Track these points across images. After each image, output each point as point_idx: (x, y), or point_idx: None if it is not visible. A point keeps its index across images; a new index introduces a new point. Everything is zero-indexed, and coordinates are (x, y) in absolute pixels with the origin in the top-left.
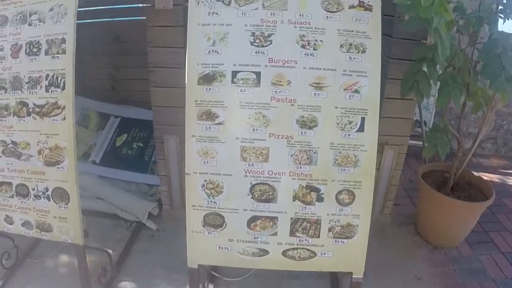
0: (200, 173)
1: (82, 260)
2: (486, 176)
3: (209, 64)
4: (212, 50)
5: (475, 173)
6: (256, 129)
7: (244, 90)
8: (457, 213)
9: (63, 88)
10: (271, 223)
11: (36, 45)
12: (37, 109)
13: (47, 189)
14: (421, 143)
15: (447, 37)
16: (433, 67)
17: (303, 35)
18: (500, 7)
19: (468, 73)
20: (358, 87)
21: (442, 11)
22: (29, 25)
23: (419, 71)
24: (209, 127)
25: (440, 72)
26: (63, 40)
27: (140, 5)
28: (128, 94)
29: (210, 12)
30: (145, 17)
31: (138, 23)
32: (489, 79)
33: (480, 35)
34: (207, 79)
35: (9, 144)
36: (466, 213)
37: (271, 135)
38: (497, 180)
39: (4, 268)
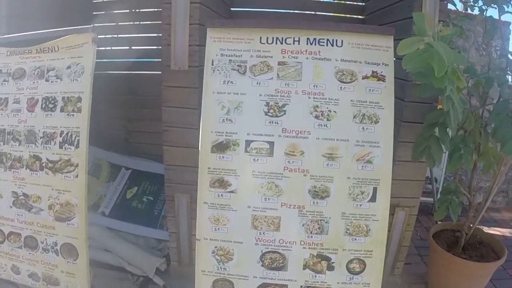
0: (210, 239)
1: None
2: (497, 231)
3: (223, 133)
4: (226, 119)
5: (487, 228)
6: (268, 199)
7: (257, 159)
8: (469, 273)
9: (77, 146)
10: None
11: (52, 101)
12: (50, 164)
13: (56, 244)
14: (431, 199)
15: (459, 103)
16: (445, 132)
17: (317, 106)
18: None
19: (479, 135)
20: (371, 157)
21: (455, 79)
22: (46, 80)
23: (430, 135)
24: (221, 195)
25: (451, 136)
26: (79, 99)
27: (157, 60)
28: (140, 146)
29: (225, 81)
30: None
31: (154, 77)
32: (500, 142)
33: (490, 96)
34: (221, 147)
35: (20, 196)
36: (478, 273)
37: (283, 204)
38: (509, 234)
39: None
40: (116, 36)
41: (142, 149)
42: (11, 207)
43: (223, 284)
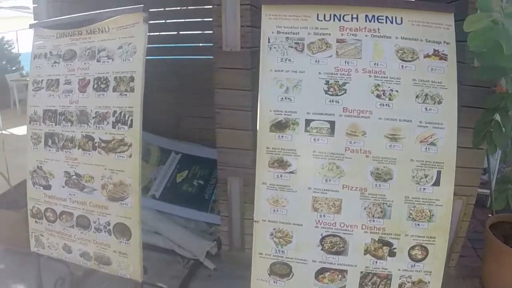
0: (269, 221)
1: None
2: None
3: (282, 112)
4: (285, 97)
5: None
6: (329, 180)
7: (318, 139)
8: None
9: (131, 126)
10: (340, 276)
11: (104, 81)
12: (103, 144)
13: (108, 223)
14: (486, 191)
15: None
16: (507, 116)
17: (378, 85)
18: None
19: None
20: (434, 139)
21: None
22: (98, 61)
23: (491, 120)
24: (281, 175)
25: None
26: (132, 79)
27: (208, 45)
28: (190, 131)
29: (282, 59)
30: (210, 57)
31: (204, 62)
32: None
33: None
34: (280, 126)
35: (72, 175)
36: None
37: (345, 186)
38: None
39: None
40: (164, 21)
41: (192, 134)
42: (63, 186)
43: (281, 268)
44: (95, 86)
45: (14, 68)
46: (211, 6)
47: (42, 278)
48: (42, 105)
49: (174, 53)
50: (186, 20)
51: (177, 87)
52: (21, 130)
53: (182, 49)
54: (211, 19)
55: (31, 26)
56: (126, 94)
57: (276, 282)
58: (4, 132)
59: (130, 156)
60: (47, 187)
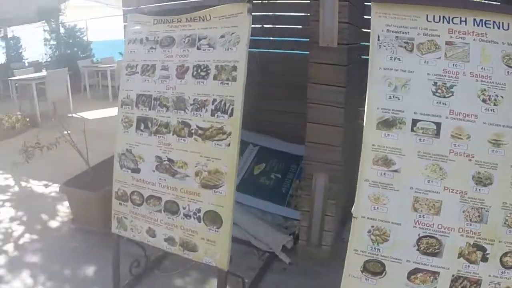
0: (368, 218)
1: (222, 284)
2: None
3: (390, 110)
4: (393, 96)
5: None
6: (432, 181)
7: (423, 139)
8: None
9: (231, 115)
10: (432, 277)
11: (204, 69)
12: (199, 131)
13: (199, 210)
14: None
15: None
16: None
17: (484, 89)
18: None
19: None
20: None
21: None
22: (198, 49)
23: None
24: (384, 173)
25: None
26: (234, 68)
27: (297, 39)
28: (269, 124)
29: (392, 57)
30: (298, 52)
31: (292, 56)
32: None
33: None
34: (387, 124)
35: (164, 161)
36: None
37: (446, 188)
38: None
39: (131, 275)
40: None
41: (270, 127)
42: (153, 171)
43: (374, 266)
44: (194, 73)
45: (84, 55)
46: (308, 1)
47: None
48: (135, 90)
49: (262, 46)
50: (279, 14)
51: (262, 80)
52: (91, 114)
53: (271, 42)
54: (303, 14)
55: (125, 12)
56: (227, 83)
57: (368, 280)
58: (74, 115)
59: (229, 145)
60: (136, 170)
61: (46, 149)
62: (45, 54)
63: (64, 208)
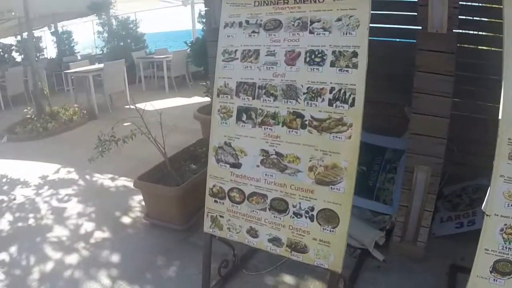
0: (501, 216)
1: (334, 285)
2: None
3: None
4: None
5: None
6: None
7: None
8: None
9: (352, 105)
10: None
11: (319, 55)
12: (315, 123)
13: (312, 209)
14: None
15: None
16: None
17: None
18: None
19: None
20: None
21: None
22: (311, 32)
23: None
24: None
25: None
26: (355, 54)
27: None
28: None
29: None
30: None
31: (393, 44)
32: None
33: None
34: None
35: (272, 155)
36: None
37: None
38: None
39: (219, 276)
40: None
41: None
42: (258, 166)
43: (504, 266)
44: (307, 59)
45: (138, 47)
46: None
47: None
48: (235, 77)
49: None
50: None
51: None
52: (148, 106)
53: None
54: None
55: None
56: (347, 71)
57: (496, 280)
58: (132, 107)
59: (349, 137)
60: (236, 165)
61: (122, 142)
62: (96, 47)
63: (135, 203)
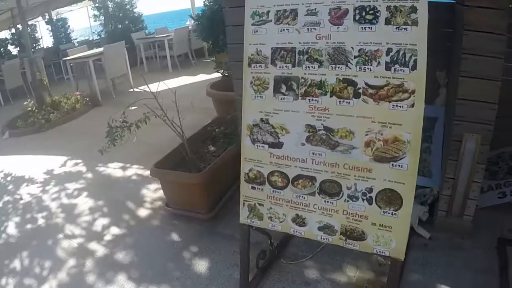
0: None
1: (395, 278)
2: None
3: None
4: None
5: None
6: None
7: None
8: None
9: (413, 68)
10: None
11: (371, 12)
12: (370, 91)
13: (370, 190)
14: None
15: None
16: None
17: None
18: None
19: None
20: None
21: None
22: None
23: None
24: None
25: None
26: (413, 9)
27: None
28: None
29: None
30: None
31: None
32: None
33: None
34: None
35: (319, 130)
36: None
37: None
38: None
39: (257, 268)
40: None
41: None
42: (303, 144)
43: None
44: (357, 17)
45: (137, 27)
46: None
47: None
48: (269, 43)
49: None
50: None
51: None
52: (154, 87)
53: None
54: None
55: None
56: (406, 28)
57: None
58: (136, 90)
59: (412, 105)
60: (276, 145)
61: (136, 127)
62: (93, 32)
63: (150, 193)
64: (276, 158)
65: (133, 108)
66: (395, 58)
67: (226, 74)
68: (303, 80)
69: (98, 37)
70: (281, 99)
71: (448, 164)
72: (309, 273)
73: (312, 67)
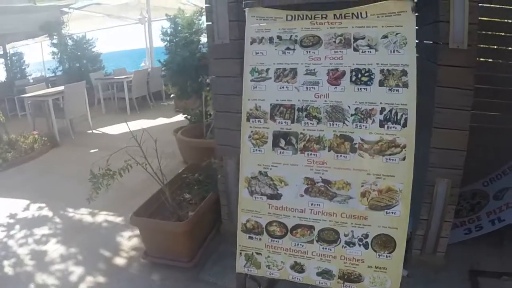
0: None
1: None
2: None
3: None
4: None
5: None
6: None
7: None
8: None
9: (404, 125)
10: None
11: (367, 74)
12: (366, 146)
13: (366, 236)
14: None
15: None
16: None
17: None
18: None
19: None
20: None
21: None
22: (355, 50)
23: None
24: None
25: None
26: (404, 73)
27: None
28: None
29: None
30: None
31: None
32: None
33: None
34: None
35: (318, 182)
36: None
37: None
38: None
39: None
40: None
41: None
42: (302, 195)
43: None
44: (353, 78)
45: (95, 67)
46: None
47: None
48: (268, 99)
49: None
50: None
51: None
52: (113, 129)
53: None
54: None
55: (246, 5)
56: (397, 90)
57: None
58: (95, 131)
59: (403, 158)
60: (275, 196)
61: (119, 175)
62: (48, 69)
63: (124, 240)
64: (274, 208)
65: (93, 151)
66: (388, 117)
67: (193, 120)
68: (302, 135)
69: (53, 74)
70: (280, 152)
71: (423, 207)
72: None
73: (311, 123)
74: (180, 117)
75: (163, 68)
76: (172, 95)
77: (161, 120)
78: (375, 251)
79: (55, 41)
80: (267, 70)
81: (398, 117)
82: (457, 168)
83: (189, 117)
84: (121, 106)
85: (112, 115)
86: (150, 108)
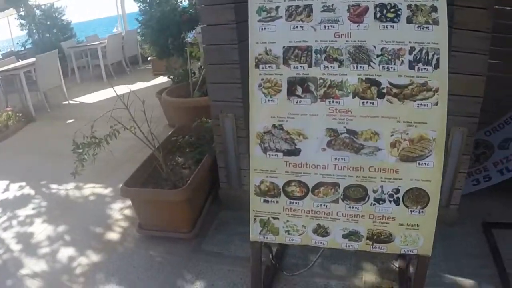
0: None
1: (423, 274)
2: None
3: None
4: None
5: None
6: None
7: None
8: None
9: (436, 67)
10: None
11: (392, 10)
12: (395, 90)
13: (397, 191)
14: None
15: None
16: None
17: None
18: None
19: None
20: None
21: None
22: None
23: None
24: None
25: None
26: (434, 8)
27: None
28: None
29: None
30: None
31: None
32: None
33: None
34: None
35: (342, 133)
36: None
37: None
38: None
39: (264, 287)
40: None
41: None
42: (324, 149)
43: None
44: (378, 15)
45: (66, 36)
46: None
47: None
48: (280, 41)
49: None
50: None
51: None
52: (90, 98)
53: None
54: None
55: None
56: (427, 27)
57: None
58: (71, 102)
59: (436, 103)
60: (293, 152)
61: (106, 143)
62: (17, 43)
63: (116, 213)
64: (292, 166)
65: (69, 121)
66: (418, 57)
67: (177, 80)
68: (321, 80)
69: (23, 48)
70: (297, 102)
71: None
72: (316, 282)
73: (331, 66)
74: (159, 80)
75: (140, 28)
76: (149, 58)
77: (140, 85)
78: (407, 207)
79: (22, 13)
80: (277, 8)
81: (429, 58)
82: (473, 116)
83: (172, 77)
84: (96, 74)
85: (88, 84)
86: (127, 74)
